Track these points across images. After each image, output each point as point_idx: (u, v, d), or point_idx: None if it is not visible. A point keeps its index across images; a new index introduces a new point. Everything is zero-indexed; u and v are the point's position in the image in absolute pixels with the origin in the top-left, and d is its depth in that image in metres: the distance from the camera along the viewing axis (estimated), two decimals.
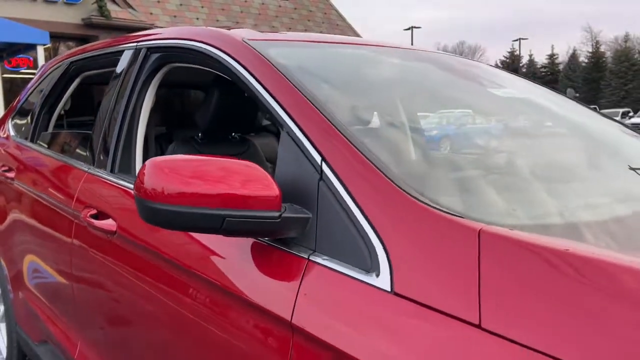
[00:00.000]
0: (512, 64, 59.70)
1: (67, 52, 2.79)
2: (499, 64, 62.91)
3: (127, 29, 14.79)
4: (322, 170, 1.13)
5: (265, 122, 3.09)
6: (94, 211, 1.77)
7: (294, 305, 1.04)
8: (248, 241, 1.20)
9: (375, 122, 1.46)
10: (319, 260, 1.06)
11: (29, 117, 2.82)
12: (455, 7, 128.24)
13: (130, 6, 14.88)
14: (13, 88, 13.73)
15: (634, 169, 1.36)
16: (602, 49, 59.63)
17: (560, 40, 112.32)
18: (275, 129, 2.69)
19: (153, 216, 1.08)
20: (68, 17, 13.93)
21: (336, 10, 21.17)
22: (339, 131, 1.16)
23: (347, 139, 1.14)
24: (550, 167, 1.46)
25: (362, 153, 1.11)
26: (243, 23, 17.81)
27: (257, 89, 1.36)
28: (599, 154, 1.65)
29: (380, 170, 1.07)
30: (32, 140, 2.65)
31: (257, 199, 1.06)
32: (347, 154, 1.12)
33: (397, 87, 1.67)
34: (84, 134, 2.25)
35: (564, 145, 1.67)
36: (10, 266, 2.61)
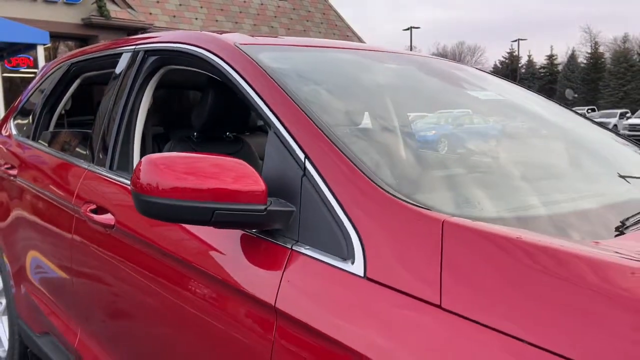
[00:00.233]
0: (511, 65, 59.80)
1: (68, 53, 2.88)
2: (498, 65, 63.05)
3: (126, 29, 14.88)
4: (305, 167, 1.22)
5: (260, 123, 3.18)
6: (93, 206, 1.86)
7: (278, 291, 1.13)
8: (238, 233, 1.29)
9: (366, 122, 1.55)
10: (301, 249, 1.15)
11: (30, 117, 2.91)
12: (455, 8, 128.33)
13: (129, 6, 14.95)
14: (13, 87, 13.81)
15: (623, 177, 1.43)
16: (601, 49, 59.75)
17: (559, 41, 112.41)
18: None
19: (148, 209, 1.17)
20: (68, 17, 14.00)
21: (335, 11, 21.25)
22: (322, 131, 1.25)
23: (328, 138, 1.23)
24: (519, 165, 1.55)
25: (342, 151, 1.20)
26: (242, 23, 17.89)
27: (247, 91, 1.45)
28: (570, 152, 1.74)
29: (357, 168, 1.16)
30: (33, 139, 2.74)
31: (244, 193, 1.15)
32: (329, 152, 1.21)
33: (379, 90, 1.77)
34: (84, 133, 2.35)
35: (535, 143, 1.76)
36: (13, 261, 2.70)
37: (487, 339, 0.83)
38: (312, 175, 1.20)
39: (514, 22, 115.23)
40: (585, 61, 58.63)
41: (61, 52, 14.95)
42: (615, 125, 29.41)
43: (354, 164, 1.17)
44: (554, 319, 0.81)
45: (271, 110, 1.36)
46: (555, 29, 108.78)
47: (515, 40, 54.49)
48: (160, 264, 1.51)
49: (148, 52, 1.96)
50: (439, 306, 0.90)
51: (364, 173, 1.14)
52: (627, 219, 1.18)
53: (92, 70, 2.60)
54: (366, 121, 1.51)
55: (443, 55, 79.25)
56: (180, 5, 16.78)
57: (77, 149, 2.37)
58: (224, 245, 1.32)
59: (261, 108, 1.39)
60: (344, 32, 20.92)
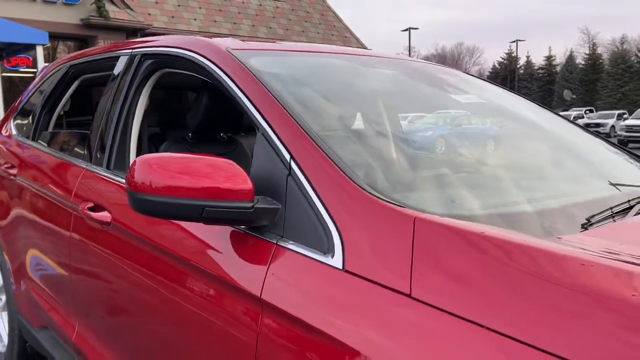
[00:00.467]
0: (509, 66, 59.89)
1: (67, 56, 2.95)
2: (497, 66, 63.16)
3: (125, 30, 14.95)
4: (290, 167, 1.29)
5: None
6: (90, 204, 1.93)
7: (263, 283, 1.21)
8: (227, 229, 1.37)
9: (352, 124, 1.63)
10: (285, 244, 1.23)
11: (30, 117, 2.98)
12: (454, 8, 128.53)
13: (128, 7, 15.02)
14: (12, 87, 13.88)
15: (614, 185, 1.50)
16: (599, 51, 59.92)
17: (557, 42, 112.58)
18: None
19: (142, 206, 1.24)
20: (67, 17, 14.07)
21: (333, 12, 21.32)
22: (306, 133, 1.32)
23: (312, 139, 1.31)
24: (494, 165, 1.63)
25: (324, 152, 1.27)
26: (240, 24, 17.97)
27: (237, 94, 1.52)
28: (546, 152, 1.82)
29: (339, 168, 1.23)
30: (33, 139, 2.81)
31: (232, 191, 1.23)
32: (312, 153, 1.28)
33: (363, 93, 1.84)
34: (82, 134, 2.42)
35: (512, 144, 1.84)
36: (13, 258, 2.77)
37: (451, 325, 0.91)
38: (296, 175, 1.27)
39: (513, 23, 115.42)
40: (583, 62, 58.78)
41: (60, 52, 15.02)
42: (613, 127, 29.48)
43: (336, 164, 1.24)
44: (512, 306, 0.88)
45: (259, 113, 1.43)
46: (554, 30, 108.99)
47: (514, 41, 54.67)
48: (154, 260, 1.58)
49: (144, 56, 2.03)
50: (409, 295, 0.98)
51: (344, 172, 1.22)
52: (593, 216, 1.26)
53: (90, 73, 2.68)
54: (353, 123, 1.59)
55: (442, 56, 79.36)
56: (178, 6, 16.85)
57: (76, 149, 2.44)
58: (215, 241, 1.39)
59: (250, 111, 1.46)
60: (342, 33, 20.99)
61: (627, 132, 23.00)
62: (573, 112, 37.32)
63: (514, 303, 0.88)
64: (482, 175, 1.54)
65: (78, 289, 2.05)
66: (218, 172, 1.24)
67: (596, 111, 38.53)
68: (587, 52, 60.00)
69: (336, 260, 1.12)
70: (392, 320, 0.98)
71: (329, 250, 1.14)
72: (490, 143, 1.80)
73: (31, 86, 3.23)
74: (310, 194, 1.23)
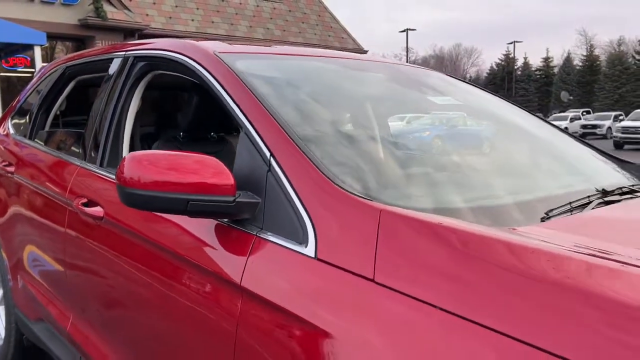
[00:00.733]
0: (507, 67, 60.05)
1: (64, 57, 3.04)
2: (494, 67, 63.32)
3: (123, 30, 15.03)
4: (270, 164, 1.38)
5: None
6: (84, 200, 2.02)
7: (243, 271, 1.30)
8: (212, 223, 1.46)
9: (338, 124, 1.72)
10: (264, 236, 1.32)
11: (27, 117, 3.07)
12: (452, 9, 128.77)
13: (126, 8, 15.10)
14: (10, 87, 13.96)
15: (604, 191, 1.57)
16: (597, 52, 60.14)
17: (555, 44, 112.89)
18: None
19: (130, 200, 1.34)
20: (65, 17, 14.14)
21: (330, 13, 21.42)
22: (285, 132, 1.42)
23: (290, 138, 1.40)
24: (464, 162, 1.73)
25: (301, 150, 1.36)
26: (237, 25, 18.06)
27: (222, 95, 1.61)
28: (516, 150, 1.92)
29: (315, 165, 1.32)
30: (30, 138, 2.90)
31: (215, 186, 1.32)
32: (291, 151, 1.38)
33: (342, 94, 1.93)
34: (78, 133, 2.51)
35: (481, 141, 1.93)
36: (10, 253, 2.86)
37: (408, 306, 1.00)
38: (276, 171, 1.36)
39: (511, 24, 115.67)
40: (580, 64, 59.00)
41: (58, 52, 15.10)
42: (609, 128, 29.60)
43: (312, 161, 1.33)
44: (463, 288, 0.97)
45: (243, 113, 1.52)
46: (551, 32, 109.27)
47: (511, 43, 54.85)
48: (145, 252, 1.67)
49: (137, 58, 2.12)
50: (373, 280, 1.07)
51: (319, 169, 1.31)
52: (552, 210, 1.35)
53: (85, 74, 2.77)
54: (331, 122, 1.68)
55: (440, 56, 79.51)
56: (176, 6, 16.94)
57: (71, 148, 2.53)
58: (200, 233, 1.48)
59: (234, 111, 1.55)
60: (339, 34, 21.09)
61: (622, 133, 23.12)
62: (570, 114, 37.45)
63: (465, 285, 0.97)
64: (451, 173, 1.64)
65: (73, 281, 2.14)
66: (204, 168, 1.33)
67: (593, 113, 38.67)
68: (585, 53, 60.25)
69: (309, 250, 1.21)
70: (357, 303, 1.07)
71: (303, 240, 1.23)
72: (456, 141, 1.89)
73: (28, 86, 3.32)
74: (288, 189, 1.32)
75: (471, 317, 0.92)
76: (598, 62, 57.93)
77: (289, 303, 1.17)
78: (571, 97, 49.80)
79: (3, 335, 3.03)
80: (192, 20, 17.00)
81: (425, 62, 78.37)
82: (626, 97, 50.42)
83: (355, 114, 1.87)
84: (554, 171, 1.86)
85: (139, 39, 15.00)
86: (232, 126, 2.88)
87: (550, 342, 0.83)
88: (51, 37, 12.75)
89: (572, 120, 35.17)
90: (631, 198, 1.55)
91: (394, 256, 1.08)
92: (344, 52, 2.28)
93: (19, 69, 14.02)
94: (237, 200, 1.34)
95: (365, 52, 22.08)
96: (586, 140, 2.25)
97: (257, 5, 19.11)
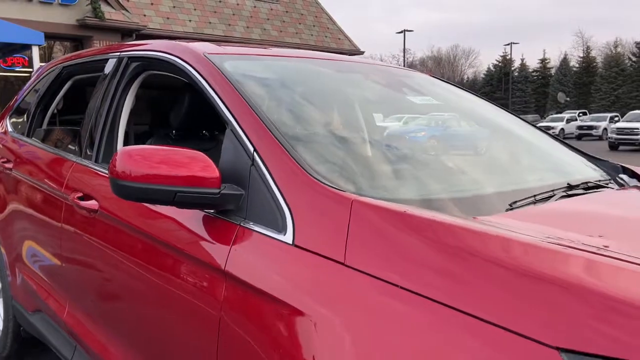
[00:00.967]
0: (504, 68, 60.22)
1: (61, 57, 3.13)
2: (492, 68, 63.48)
3: (120, 31, 15.11)
4: (253, 158, 1.48)
5: None
6: (80, 194, 2.12)
7: (227, 258, 1.39)
8: (200, 214, 1.55)
9: (318, 122, 1.82)
10: (247, 225, 1.42)
11: (25, 115, 3.16)
12: (450, 10, 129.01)
13: (124, 8, 15.18)
14: (8, 86, 14.04)
15: (569, 185, 1.67)
16: (593, 54, 60.33)
17: (552, 45, 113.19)
18: None
19: (122, 191, 1.43)
20: (63, 18, 14.22)
21: (327, 14, 21.52)
22: (268, 129, 1.51)
23: (273, 135, 1.49)
24: (435, 157, 1.83)
25: (282, 145, 1.46)
26: (235, 25, 18.15)
27: (210, 94, 1.71)
28: (489, 146, 2.02)
29: (293, 158, 1.42)
30: (28, 136, 2.99)
31: (201, 179, 1.42)
32: (273, 146, 1.47)
33: (323, 94, 2.03)
34: (74, 130, 2.60)
35: (453, 140, 2.03)
36: (9, 247, 2.95)
37: (373, 286, 1.10)
38: (259, 165, 1.46)
39: (508, 25, 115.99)
40: (577, 65, 59.15)
41: (56, 52, 15.17)
42: (605, 129, 29.74)
43: (292, 155, 1.43)
44: (423, 269, 1.07)
45: (229, 111, 1.62)
46: (548, 33, 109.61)
47: (508, 44, 55.04)
48: (137, 242, 1.76)
49: (131, 59, 2.22)
50: (343, 263, 1.17)
51: (298, 163, 1.41)
52: (515, 202, 1.45)
53: (82, 74, 2.86)
54: (312, 120, 1.78)
55: (437, 57, 79.62)
56: (174, 7, 17.02)
57: (68, 145, 2.63)
58: (189, 224, 1.58)
59: (221, 109, 1.65)
60: (336, 35, 21.19)
61: (617, 134, 23.26)
62: (566, 115, 37.60)
63: (425, 267, 1.07)
64: (424, 167, 1.74)
65: (69, 271, 2.23)
66: (186, 162, 1.42)
67: (590, 114, 38.82)
68: (581, 55, 60.41)
69: (288, 237, 1.31)
70: (329, 284, 1.17)
71: (282, 228, 1.33)
72: (430, 138, 1.99)
73: (26, 86, 3.41)
74: (269, 182, 1.41)
75: (428, 294, 1.02)
76: (595, 64, 58.10)
77: (268, 285, 1.27)
78: (568, 99, 49.98)
79: (1, 327, 3.12)
80: (190, 20, 17.09)
81: (422, 63, 78.59)
82: (622, 99, 50.61)
83: (335, 112, 1.97)
84: (525, 166, 1.96)
85: (136, 39, 15.09)
86: (222, 124, 2.98)
87: (495, 314, 0.93)
88: (49, 37, 12.83)
89: (568, 121, 35.33)
90: (594, 192, 1.65)
91: (363, 241, 1.18)
92: (329, 54, 2.38)
93: (17, 69, 14.10)
94: (222, 192, 1.43)
95: (361, 53, 22.19)
96: (563, 139, 2.35)
97: (254, 6, 19.20)
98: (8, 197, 2.92)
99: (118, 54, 2.33)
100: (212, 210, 1.52)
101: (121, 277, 1.84)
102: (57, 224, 2.28)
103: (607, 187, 1.76)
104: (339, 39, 21.14)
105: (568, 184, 1.65)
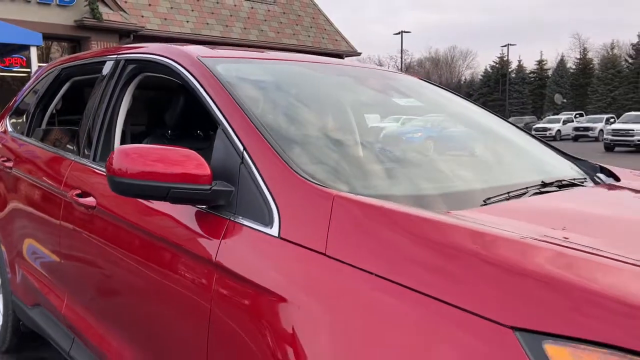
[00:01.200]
0: (501, 69, 60.39)
1: (59, 59, 3.22)
2: (489, 69, 63.66)
3: (118, 32, 15.17)
4: (243, 157, 1.57)
5: None
6: (78, 191, 2.20)
7: (217, 250, 1.48)
8: (192, 209, 1.64)
9: (305, 122, 1.91)
10: (237, 219, 1.50)
11: (24, 116, 3.25)
12: (448, 12, 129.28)
13: (121, 9, 15.24)
14: (5, 86, 14.10)
15: (542, 183, 1.75)
16: (590, 55, 60.53)
17: (549, 46, 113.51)
18: None
19: (119, 187, 1.52)
20: (61, 18, 14.27)
21: (324, 15, 21.62)
22: (257, 129, 1.60)
23: (261, 134, 1.58)
24: (418, 156, 1.92)
25: (270, 145, 1.55)
26: (232, 27, 18.22)
27: (203, 96, 1.80)
28: (472, 147, 2.11)
29: (281, 157, 1.51)
30: (27, 135, 3.08)
31: (194, 176, 1.51)
32: (261, 145, 1.56)
33: (311, 96, 2.12)
34: (72, 130, 2.69)
35: (439, 139, 2.12)
36: (9, 245, 3.03)
37: (351, 274, 1.19)
38: (248, 163, 1.55)
39: (506, 27, 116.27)
40: (574, 67, 59.36)
41: (54, 53, 15.22)
42: (601, 130, 29.88)
43: (278, 154, 1.52)
44: (398, 258, 1.16)
45: (220, 112, 1.71)
46: (546, 35, 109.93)
47: (505, 45, 55.26)
48: (134, 237, 1.85)
49: (128, 61, 2.31)
50: (324, 254, 1.26)
51: (284, 161, 1.50)
52: (489, 198, 1.54)
53: (80, 75, 2.95)
54: (293, 120, 1.87)
55: (435, 59, 79.76)
56: (171, 8, 17.09)
57: (66, 144, 2.71)
58: (182, 219, 1.67)
59: (213, 110, 1.74)
60: (333, 36, 21.28)
61: (613, 135, 23.40)
62: (563, 116, 37.76)
63: (399, 255, 1.16)
64: (408, 165, 1.83)
65: (67, 265, 2.31)
66: (179, 160, 1.51)
67: (586, 115, 38.98)
68: (578, 56, 60.65)
69: (274, 230, 1.39)
70: (312, 272, 1.26)
71: (269, 222, 1.42)
72: (412, 138, 2.08)
73: (26, 87, 3.49)
74: (258, 179, 1.50)
75: (400, 281, 1.11)
76: (591, 66, 58.31)
77: (254, 275, 1.36)
78: (565, 100, 50.14)
79: (0, 322, 3.20)
80: (187, 21, 17.17)
81: (420, 65, 78.79)
82: (619, 100, 50.82)
83: (322, 113, 2.05)
84: (505, 165, 2.06)
85: (134, 40, 15.16)
86: (215, 124, 3.07)
87: (456, 297, 1.02)
88: (47, 37, 12.88)
89: (565, 122, 35.49)
90: (567, 190, 1.75)
91: (343, 233, 1.27)
92: (319, 57, 2.47)
93: (15, 69, 14.16)
94: (213, 188, 1.52)
95: (358, 54, 22.29)
96: (546, 140, 2.44)
97: (252, 7, 19.29)
98: (8, 195, 3.00)
99: (115, 56, 2.41)
100: (204, 206, 1.61)
101: (117, 271, 1.93)
102: (56, 219, 2.36)
103: (582, 185, 1.85)
104: (336, 40, 21.23)
105: (542, 181, 1.74)
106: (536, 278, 0.98)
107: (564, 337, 0.91)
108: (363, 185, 1.58)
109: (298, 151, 1.61)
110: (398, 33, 44.46)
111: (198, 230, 1.59)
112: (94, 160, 2.27)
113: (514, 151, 2.23)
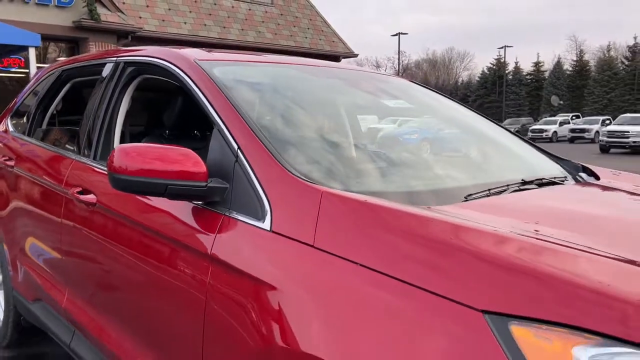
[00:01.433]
0: (498, 71, 60.56)
1: (60, 61, 3.30)
2: (486, 71, 63.84)
3: (116, 33, 15.23)
4: (237, 155, 1.65)
5: None
6: (79, 189, 2.28)
7: (213, 243, 1.57)
8: (189, 205, 1.72)
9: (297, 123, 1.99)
10: (231, 215, 1.59)
11: (25, 116, 3.33)
12: (446, 13, 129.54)
13: (119, 10, 15.31)
14: (3, 86, 14.16)
15: (522, 181, 1.84)
16: (587, 57, 60.78)
17: (546, 48, 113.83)
18: None
19: (119, 184, 1.60)
20: (59, 19, 14.32)
21: (322, 17, 21.71)
22: (251, 129, 1.69)
23: (255, 134, 1.67)
24: (406, 155, 2.01)
25: (263, 144, 1.64)
26: (230, 28, 18.30)
27: (200, 97, 1.88)
28: (458, 146, 2.20)
29: (273, 156, 1.59)
30: (28, 135, 3.16)
31: (191, 173, 1.59)
32: (254, 144, 1.65)
33: (303, 97, 2.21)
34: (73, 130, 2.77)
35: (426, 138, 2.22)
36: (10, 241, 3.11)
37: (338, 264, 1.28)
38: (242, 161, 1.63)
39: (503, 28, 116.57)
40: (570, 69, 59.57)
41: (52, 53, 15.28)
42: (597, 132, 30.03)
43: (271, 153, 1.61)
44: (382, 249, 1.25)
45: (216, 113, 1.79)
46: (542, 37, 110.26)
47: (502, 47, 55.43)
48: (133, 232, 1.93)
49: (127, 63, 2.39)
50: (312, 245, 1.34)
51: (277, 160, 1.58)
52: (470, 195, 1.63)
53: (80, 77, 3.03)
54: (286, 121, 1.96)
55: (433, 60, 79.90)
56: (169, 9, 17.16)
57: (67, 144, 2.80)
58: (179, 214, 1.75)
59: (210, 111, 1.82)
60: (330, 38, 21.38)
61: (608, 137, 23.54)
62: (559, 118, 37.90)
63: (383, 246, 1.25)
64: (395, 164, 1.93)
65: (68, 261, 2.39)
66: (177, 158, 1.59)
67: (583, 117, 39.13)
68: (575, 58, 60.88)
69: (266, 224, 1.48)
70: (301, 263, 1.35)
71: (262, 216, 1.50)
72: (399, 138, 2.17)
73: (26, 88, 3.57)
74: (251, 176, 1.59)
75: (382, 269, 1.20)
76: (588, 67, 58.54)
77: (247, 266, 1.44)
78: (561, 102, 50.34)
79: (2, 317, 3.27)
80: (185, 23, 17.24)
81: (417, 66, 78.96)
82: (615, 102, 51.03)
83: (314, 114, 2.14)
84: (489, 164, 2.15)
85: (132, 41, 15.23)
86: (211, 125, 3.16)
87: (430, 282, 1.11)
88: (45, 38, 12.94)
89: (561, 124, 35.64)
90: (546, 187, 1.84)
91: (329, 226, 1.36)
92: (312, 60, 2.56)
93: (13, 70, 14.21)
94: (208, 185, 1.61)
95: (355, 55, 22.40)
96: (532, 141, 2.53)
97: (249, 9, 19.37)
98: (10, 193, 3.08)
99: (115, 58, 2.50)
100: (200, 202, 1.69)
101: (117, 265, 2.01)
102: (57, 217, 2.44)
103: (561, 183, 1.95)
104: (333, 41, 21.33)
105: (522, 179, 1.83)
106: (503, 265, 1.07)
107: (527, 319, 1.00)
108: (352, 183, 1.67)
109: (290, 150, 1.70)
110: (396, 34, 44.58)
111: (194, 225, 1.68)
112: (94, 159, 2.36)
113: (498, 151, 2.32)
